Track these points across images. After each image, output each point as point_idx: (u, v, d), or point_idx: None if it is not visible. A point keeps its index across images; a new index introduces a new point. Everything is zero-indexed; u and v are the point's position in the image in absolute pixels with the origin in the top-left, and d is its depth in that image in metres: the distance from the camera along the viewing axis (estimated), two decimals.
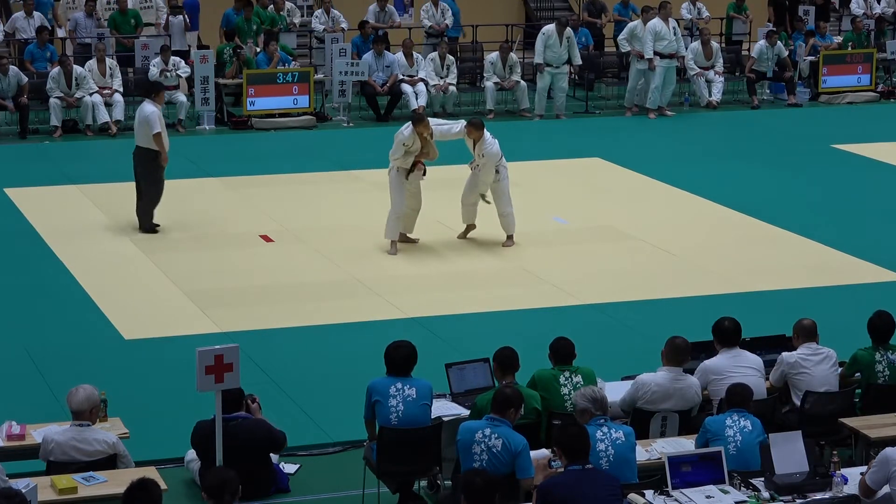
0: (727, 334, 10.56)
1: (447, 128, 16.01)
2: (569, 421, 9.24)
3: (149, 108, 16.65)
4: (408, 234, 16.31)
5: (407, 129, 15.68)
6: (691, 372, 10.40)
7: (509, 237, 16.37)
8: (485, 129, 15.81)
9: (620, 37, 24.71)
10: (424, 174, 15.93)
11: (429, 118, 16.10)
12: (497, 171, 15.96)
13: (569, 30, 24.07)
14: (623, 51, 24.79)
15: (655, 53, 23.86)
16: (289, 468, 10.71)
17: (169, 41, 24.43)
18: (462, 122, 16.07)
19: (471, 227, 16.53)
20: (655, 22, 23.95)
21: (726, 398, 9.63)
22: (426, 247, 16.33)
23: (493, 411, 9.19)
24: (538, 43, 23.90)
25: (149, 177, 16.83)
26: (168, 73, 23.03)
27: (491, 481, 7.92)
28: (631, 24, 24.49)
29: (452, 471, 9.68)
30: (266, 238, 16.65)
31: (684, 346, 10.27)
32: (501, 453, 9.02)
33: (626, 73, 25.80)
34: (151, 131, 16.52)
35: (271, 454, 10.37)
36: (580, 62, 24.25)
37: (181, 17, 24.97)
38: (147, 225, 16.92)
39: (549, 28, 23.99)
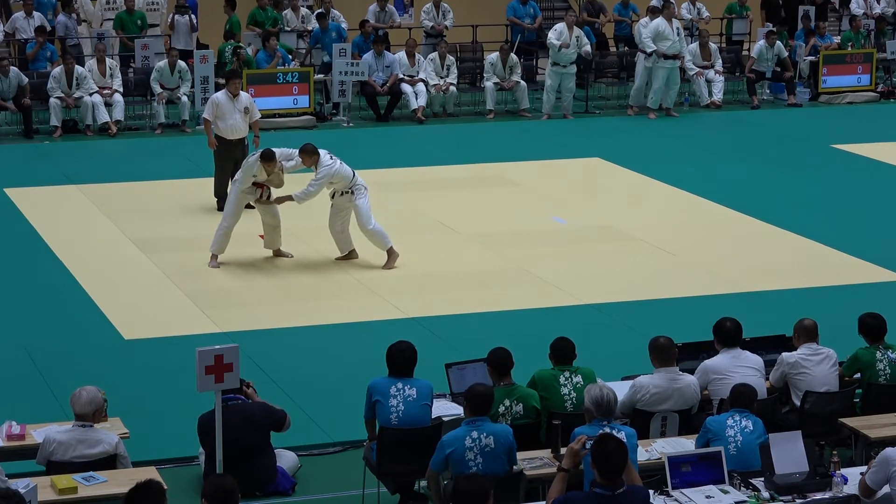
0: (728, 334, 10.56)
1: (291, 164, 15.46)
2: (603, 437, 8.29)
3: (213, 95, 17.79)
4: (280, 249, 16.04)
5: (256, 162, 15.33)
6: (691, 372, 10.41)
7: (389, 254, 15.64)
8: (320, 153, 15.17)
9: (644, 36, 24.22)
10: (269, 198, 15.63)
11: (277, 152, 15.37)
12: (352, 193, 15.40)
13: (577, 29, 24.09)
14: (648, 51, 24.22)
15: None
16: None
17: (170, 42, 24.41)
18: (296, 155, 15.38)
19: (352, 253, 15.86)
20: (659, 22, 23.92)
21: (731, 398, 9.62)
22: (427, 247, 16.32)
23: (470, 413, 9.19)
24: (551, 38, 23.82)
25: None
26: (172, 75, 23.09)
27: (483, 483, 7.75)
28: (653, 24, 24.06)
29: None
30: None
31: (668, 343, 10.25)
32: (496, 450, 9.05)
33: (626, 74, 25.79)
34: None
35: (279, 465, 10.38)
36: (590, 52, 24.16)
37: (187, 16, 24.95)
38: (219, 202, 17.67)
39: (561, 26, 23.96)
